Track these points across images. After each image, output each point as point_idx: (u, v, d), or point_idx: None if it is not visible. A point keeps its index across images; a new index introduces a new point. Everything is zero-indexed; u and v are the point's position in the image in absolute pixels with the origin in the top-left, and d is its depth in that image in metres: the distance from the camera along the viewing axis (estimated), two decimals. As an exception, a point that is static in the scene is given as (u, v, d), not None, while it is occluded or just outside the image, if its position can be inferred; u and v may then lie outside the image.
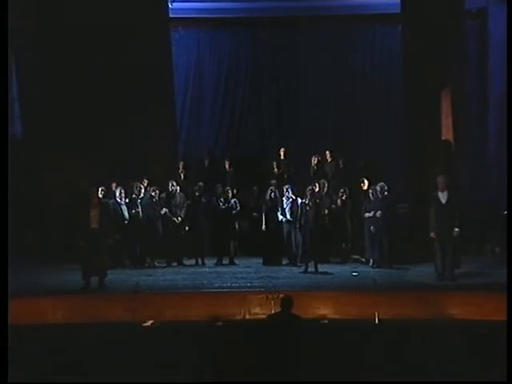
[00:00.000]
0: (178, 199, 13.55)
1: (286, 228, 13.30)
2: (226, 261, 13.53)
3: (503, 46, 15.18)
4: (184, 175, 14.70)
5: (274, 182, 13.96)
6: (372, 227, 12.84)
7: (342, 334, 8.15)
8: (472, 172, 14.61)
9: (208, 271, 12.92)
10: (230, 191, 13.60)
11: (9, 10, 14.28)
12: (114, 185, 13.30)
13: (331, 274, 12.46)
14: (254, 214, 13.98)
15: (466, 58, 14.92)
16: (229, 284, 11.64)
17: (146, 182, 13.59)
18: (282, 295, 7.30)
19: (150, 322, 8.44)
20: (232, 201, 13.54)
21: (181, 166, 14.79)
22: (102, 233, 11.45)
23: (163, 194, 13.50)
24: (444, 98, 14.35)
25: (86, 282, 11.29)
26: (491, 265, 12.94)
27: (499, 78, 15.44)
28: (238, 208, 13.60)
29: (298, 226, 12.95)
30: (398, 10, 14.67)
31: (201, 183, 13.78)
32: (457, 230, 11.60)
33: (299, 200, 12.98)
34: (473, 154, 14.87)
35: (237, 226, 13.66)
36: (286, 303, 6.97)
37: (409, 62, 14.66)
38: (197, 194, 13.61)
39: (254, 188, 14.34)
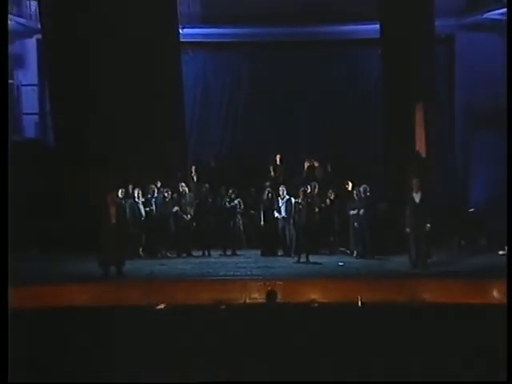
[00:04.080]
0: (187, 199, 13.50)
1: (281, 224, 13.24)
2: (229, 252, 13.48)
3: (468, 67, 15.22)
4: (197, 177, 14.63)
5: (268, 184, 13.89)
6: (356, 223, 12.81)
7: (329, 315, 8.08)
8: (441, 175, 14.56)
9: (213, 261, 12.88)
10: (233, 192, 13.52)
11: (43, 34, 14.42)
12: (131, 186, 13.24)
13: (320, 263, 12.45)
14: (252, 211, 13.91)
15: (436, 76, 14.87)
16: (231, 272, 11.61)
17: (159, 184, 13.53)
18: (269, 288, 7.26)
19: (162, 306, 8.37)
20: (236, 201, 13.48)
21: (193, 170, 14.72)
22: (119, 227, 11.42)
23: (175, 195, 13.44)
24: (417, 112, 14.28)
25: (105, 270, 11.27)
26: (458, 256, 12.92)
27: (464, 94, 15.46)
28: (242, 207, 13.55)
29: (291, 222, 12.93)
30: (378, 35, 14.62)
31: (207, 185, 13.76)
32: (428, 225, 11.61)
33: (293, 200, 12.95)
34: (442, 160, 14.84)
35: (240, 222, 13.61)
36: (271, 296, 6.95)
37: (387, 80, 14.60)
38: (204, 194, 13.57)
39: (253, 189, 14.27)
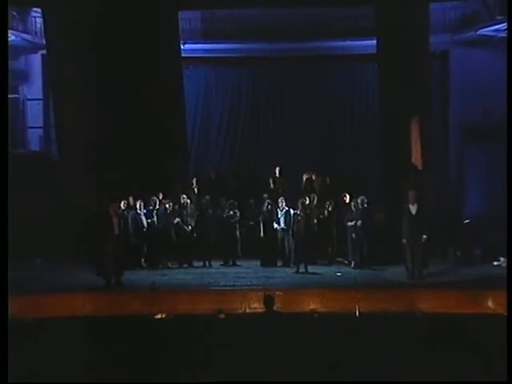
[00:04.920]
0: (188, 210, 13.50)
1: (280, 235, 13.24)
2: (229, 263, 13.45)
3: (462, 82, 15.31)
4: (198, 189, 14.62)
5: (265, 195, 13.83)
6: (353, 234, 12.81)
7: (327, 325, 8.07)
8: (437, 187, 14.58)
9: (214, 272, 12.85)
10: (231, 203, 13.50)
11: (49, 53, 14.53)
12: (131, 198, 13.22)
13: (319, 274, 12.43)
14: (251, 222, 13.90)
15: (431, 91, 14.92)
16: (232, 283, 11.60)
17: (161, 196, 13.54)
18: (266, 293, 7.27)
19: (160, 316, 8.35)
20: (231, 211, 13.41)
21: (194, 182, 14.73)
22: (121, 238, 11.45)
23: (176, 206, 13.44)
24: (413, 126, 14.33)
25: (107, 280, 11.27)
26: (453, 266, 12.93)
27: (459, 109, 15.52)
28: (238, 217, 13.48)
29: (290, 233, 12.92)
30: (375, 51, 14.71)
31: (207, 197, 13.76)
32: (424, 236, 11.63)
33: (292, 211, 12.95)
34: (437, 172, 14.87)
35: (238, 232, 13.58)
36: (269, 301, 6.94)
37: (384, 94, 14.67)
38: (204, 206, 13.58)
39: (251, 201, 14.25)
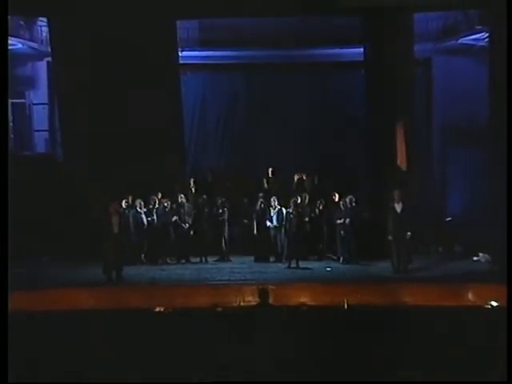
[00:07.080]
0: (186, 209, 13.49)
1: (273, 232, 13.25)
2: (224, 259, 13.42)
3: (444, 88, 15.33)
4: (195, 189, 14.59)
5: (261, 195, 13.78)
6: (342, 231, 12.83)
7: (317, 317, 8.08)
8: (421, 187, 14.60)
9: (210, 267, 12.86)
10: (222, 202, 13.44)
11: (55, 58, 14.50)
12: (131, 197, 13.21)
13: (310, 269, 12.47)
14: (245, 221, 13.89)
15: (415, 96, 14.94)
16: (227, 278, 11.62)
17: (160, 195, 13.52)
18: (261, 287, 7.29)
19: (159, 309, 8.34)
20: (221, 210, 13.35)
21: (192, 182, 14.70)
22: (122, 235, 11.51)
23: (174, 205, 13.44)
24: (398, 129, 14.35)
25: (108, 276, 11.27)
26: (436, 261, 12.97)
27: (441, 113, 15.55)
28: (227, 216, 13.42)
29: (283, 230, 12.93)
30: (362, 58, 14.74)
31: (204, 196, 13.76)
32: (409, 233, 11.67)
33: (284, 210, 12.96)
34: (421, 173, 14.89)
35: (226, 230, 13.46)
36: (264, 295, 6.97)
37: (370, 99, 14.68)
38: (201, 205, 13.56)
39: (245, 200, 14.23)
